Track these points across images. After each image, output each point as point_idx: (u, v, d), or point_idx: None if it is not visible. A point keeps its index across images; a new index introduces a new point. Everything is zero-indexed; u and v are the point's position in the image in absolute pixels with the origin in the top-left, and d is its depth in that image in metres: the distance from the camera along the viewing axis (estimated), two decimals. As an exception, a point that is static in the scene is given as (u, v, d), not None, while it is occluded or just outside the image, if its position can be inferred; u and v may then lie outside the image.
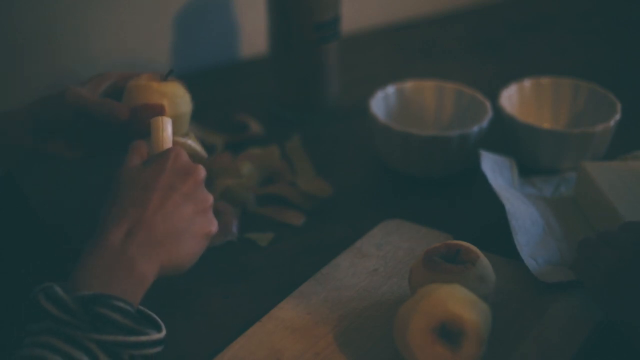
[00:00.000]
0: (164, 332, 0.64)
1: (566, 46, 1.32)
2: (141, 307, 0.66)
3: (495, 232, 0.85)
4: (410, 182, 0.97)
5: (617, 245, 0.72)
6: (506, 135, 0.98)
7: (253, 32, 1.24)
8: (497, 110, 0.98)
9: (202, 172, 0.72)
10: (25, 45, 1.10)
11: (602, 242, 0.74)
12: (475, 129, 0.94)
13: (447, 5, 1.43)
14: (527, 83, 1.02)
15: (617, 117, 0.95)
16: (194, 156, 0.80)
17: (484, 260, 0.74)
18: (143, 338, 0.62)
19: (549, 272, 0.79)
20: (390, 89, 1.02)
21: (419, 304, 0.67)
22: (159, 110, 0.77)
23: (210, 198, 0.72)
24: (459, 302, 0.67)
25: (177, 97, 0.79)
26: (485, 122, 0.95)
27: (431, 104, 1.04)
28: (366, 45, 1.32)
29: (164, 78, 0.80)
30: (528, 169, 0.96)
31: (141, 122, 0.77)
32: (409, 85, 1.04)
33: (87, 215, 0.76)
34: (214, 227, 0.72)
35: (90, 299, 0.61)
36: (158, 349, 0.64)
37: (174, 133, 0.77)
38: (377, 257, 0.83)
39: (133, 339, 0.62)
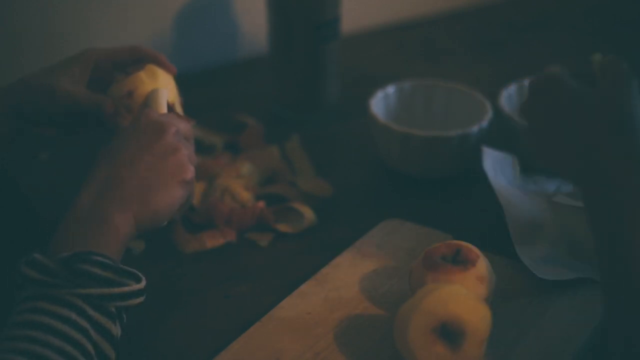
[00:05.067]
0: (144, 282, 0.66)
1: (566, 46, 1.32)
2: (122, 266, 0.66)
3: (495, 232, 0.85)
4: (410, 182, 0.97)
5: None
6: (506, 135, 0.98)
7: (253, 32, 1.24)
8: (497, 110, 0.98)
9: (171, 127, 0.73)
10: (24, 46, 1.10)
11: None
12: (475, 129, 0.94)
13: (447, 5, 1.43)
14: (527, 83, 1.02)
15: (617, 117, 0.95)
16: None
17: (484, 260, 0.74)
18: (126, 289, 0.64)
19: (548, 271, 0.79)
20: (390, 89, 1.02)
21: (419, 304, 0.67)
22: None
23: (181, 147, 0.72)
24: (459, 302, 0.67)
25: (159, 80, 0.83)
26: (485, 122, 0.95)
27: (431, 104, 1.04)
28: (366, 45, 1.32)
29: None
30: (528, 169, 0.96)
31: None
32: (409, 85, 1.04)
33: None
34: (187, 173, 0.72)
35: (70, 258, 0.62)
36: (140, 299, 0.65)
37: None
38: (377, 257, 0.83)
39: (116, 290, 0.63)
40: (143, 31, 1.18)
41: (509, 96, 1.00)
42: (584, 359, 0.72)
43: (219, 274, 0.83)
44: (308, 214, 0.89)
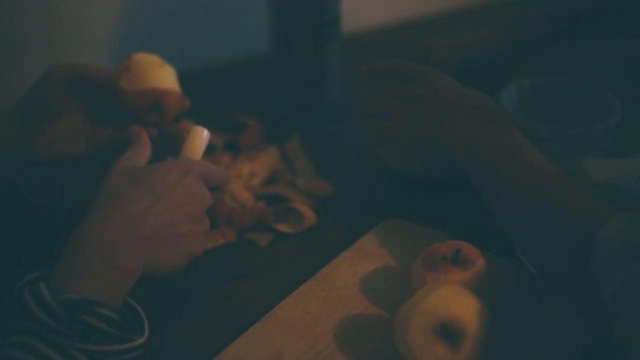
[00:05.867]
0: (146, 334, 0.65)
1: (566, 46, 1.31)
2: (127, 299, 0.66)
3: (495, 232, 0.85)
4: (410, 182, 0.97)
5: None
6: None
7: (253, 32, 1.24)
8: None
9: (209, 200, 0.73)
10: (24, 45, 1.10)
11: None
12: (475, 128, 0.94)
13: (448, 5, 1.43)
14: (527, 83, 1.02)
15: (618, 116, 0.95)
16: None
17: (484, 260, 0.74)
18: (127, 345, 0.62)
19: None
20: (390, 89, 1.02)
21: (419, 304, 0.67)
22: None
23: (207, 225, 0.73)
24: (459, 302, 0.67)
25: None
26: (485, 122, 0.95)
27: (431, 104, 1.04)
28: (367, 45, 1.32)
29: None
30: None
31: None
32: (409, 85, 1.03)
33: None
34: (199, 249, 0.72)
35: (75, 304, 0.61)
36: (139, 351, 0.64)
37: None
38: (377, 257, 0.83)
39: (117, 347, 0.62)
40: (143, 31, 1.18)
41: (509, 96, 1.00)
42: (583, 359, 0.72)
43: (219, 274, 0.83)
44: (308, 214, 0.89)
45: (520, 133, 0.80)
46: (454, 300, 0.67)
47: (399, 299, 0.76)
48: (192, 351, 0.74)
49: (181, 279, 0.83)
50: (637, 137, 1.03)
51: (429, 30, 1.37)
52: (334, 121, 1.11)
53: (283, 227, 0.89)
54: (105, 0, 1.13)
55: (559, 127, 1.03)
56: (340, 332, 0.74)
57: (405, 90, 0.87)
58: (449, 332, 0.67)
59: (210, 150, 1.01)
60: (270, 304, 0.77)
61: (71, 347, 0.60)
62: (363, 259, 0.83)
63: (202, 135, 0.78)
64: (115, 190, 0.68)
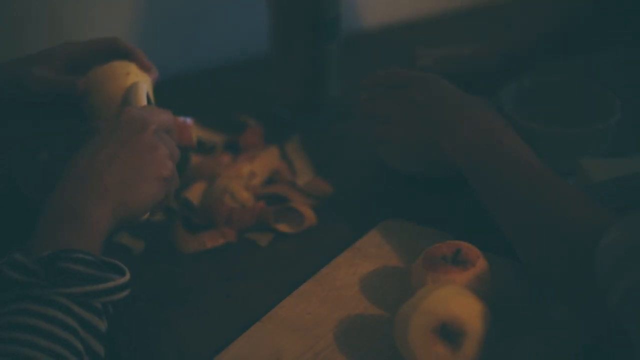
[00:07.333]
0: (128, 275, 0.66)
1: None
2: (104, 258, 0.66)
3: (495, 232, 0.85)
4: (410, 182, 0.97)
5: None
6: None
7: (253, 32, 1.24)
8: (497, 110, 0.98)
9: (151, 125, 0.73)
10: (24, 45, 1.10)
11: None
12: (475, 128, 0.94)
13: (448, 5, 1.43)
14: (527, 83, 1.02)
15: (618, 116, 0.95)
16: None
17: (484, 260, 0.74)
18: (110, 284, 0.63)
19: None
20: (390, 89, 1.02)
21: (419, 304, 0.67)
22: None
23: (162, 148, 0.72)
24: (459, 302, 0.67)
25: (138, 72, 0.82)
26: (485, 122, 0.95)
27: (431, 104, 1.04)
28: (366, 45, 1.32)
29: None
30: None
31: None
32: (409, 85, 1.03)
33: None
34: (165, 170, 0.72)
35: (50, 257, 0.62)
36: (125, 292, 0.65)
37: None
38: (377, 257, 0.83)
39: (100, 286, 0.63)
40: (143, 31, 1.18)
41: (509, 96, 1.00)
42: (584, 359, 0.72)
43: (219, 274, 0.83)
44: (308, 214, 0.89)
45: (520, 138, 0.80)
46: (454, 300, 0.67)
47: (399, 299, 0.76)
48: (192, 351, 0.74)
49: (181, 278, 0.83)
50: (637, 137, 1.03)
51: (429, 30, 1.37)
52: (334, 121, 1.11)
53: (283, 227, 0.89)
54: (105, 0, 1.13)
55: (558, 127, 1.03)
56: (340, 332, 0.74)
57: (404, 95, 0.87)
58: (449, 332, 0.67)
59: (210, 150, 1.01)
60: (270, 304, 0.77)
61: (57, 295, 0.61)
62: (363, 259, 0.83)
63: (143, 89, 0.79)
64: (72, 164, 0.70)
